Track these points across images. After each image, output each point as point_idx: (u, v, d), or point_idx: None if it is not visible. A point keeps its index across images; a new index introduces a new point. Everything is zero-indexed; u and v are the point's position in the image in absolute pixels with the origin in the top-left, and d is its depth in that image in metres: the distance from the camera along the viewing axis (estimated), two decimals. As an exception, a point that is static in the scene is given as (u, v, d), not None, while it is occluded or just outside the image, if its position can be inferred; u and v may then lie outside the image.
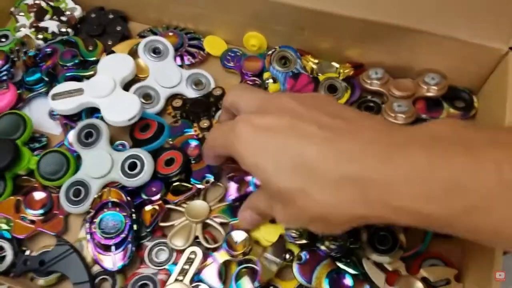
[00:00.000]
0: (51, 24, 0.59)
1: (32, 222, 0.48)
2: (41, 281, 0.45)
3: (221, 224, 0.47)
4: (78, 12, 0.60)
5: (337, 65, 0.55)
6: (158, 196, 0.48)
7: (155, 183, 0.49)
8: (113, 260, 0.45)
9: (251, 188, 0.47)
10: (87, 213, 0.47)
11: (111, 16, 0.60)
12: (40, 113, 0.55)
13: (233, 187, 0.48)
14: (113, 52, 0.56)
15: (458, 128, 0.30)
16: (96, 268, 0.46)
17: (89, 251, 0.46)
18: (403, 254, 0.44)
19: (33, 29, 0.59)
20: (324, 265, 0.43)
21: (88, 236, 0.46)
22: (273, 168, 0.32)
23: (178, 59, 0.57)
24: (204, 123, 0.52)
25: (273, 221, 0.45)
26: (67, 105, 0.51)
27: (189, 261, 0.44)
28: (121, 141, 0.52)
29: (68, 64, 0.55)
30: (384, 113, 0.50)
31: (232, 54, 0.58)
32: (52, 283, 0.46)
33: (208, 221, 0.47)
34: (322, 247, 0.43)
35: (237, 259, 0.44)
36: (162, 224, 0.48)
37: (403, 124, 0.49)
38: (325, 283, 0.43)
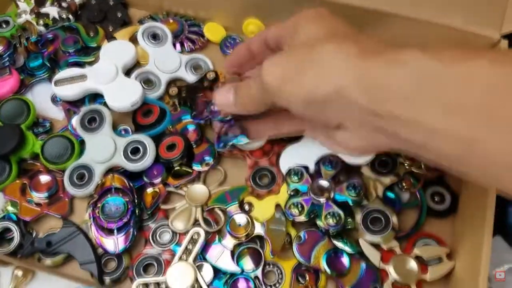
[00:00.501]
0: (51, 10, 0.60)
1: (38, 204, 0.49)
2: (48, 261, 0.47)
3: (220, 208, 0.49)
4: (78, -2, 0.61)
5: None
6: (159, 179, 0.49)
7: (156, 166, 0.50)
8: (115, 243, 0.46)
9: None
10: (91, 197, 0.49)
11: (111, 2, 0.61)
12: (43, 98, 0.56)
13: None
14: (114, 38, 0.57)
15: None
16: (101, 250, 0.47)
17: (92, 234, 0.47)
18: (397, 234, 0.46)
19: (34, 15, 0.60)
20: (322, 244, 0.45)
21: (91, 220, 0.47)
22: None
23: (178, 45, 0.58)
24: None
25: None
26: (70, 91, 0.52)
27: (193, 241, 0.46)
28: (124, 126, 0.53)
29: (70, 50, 0.56)
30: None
31: (232, 41, 0.59)
32: (59, 263, 0.47)
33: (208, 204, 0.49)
34: (321, 224, 0.44)
35: (242, 240, 0.46)
36: (164, 207, 0.49)
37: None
38: (323, 261, 0.44)
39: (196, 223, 0.48)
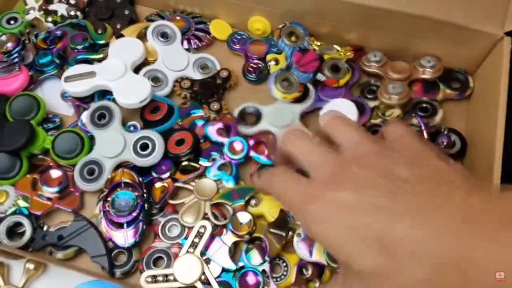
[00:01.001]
0: (59, 7, 0.60)
1: (49, 199, 0.50)
2: (59, 254, 0.48)
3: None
4: (86, -5, 0.62)
5: (338, 48, 0.57)
6: (167, 174, 0.50)
7: (165, 162, 0.51)
8: (124, 237, 0.47)
9: None
10: (101, 191, 0.49)
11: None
12: (52, 94, 0.57)
13: None
14: (122, 35, 0.58)
15: None
16: (112, 243, 0.48)
17: (102, 228, 0.48)
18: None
19: (42, 12, 0.60)
20: None
21: (101, 214, 0.48)
22: (353, 247, 0.30)
23: (185, 42, 0.59)
24: (214, 106, 0.54)
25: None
26: (80, 88, 0.53)
27: (199, 235, 0.47)
28: (133, 122, 0.54)
29: (78, 47, 0.57)
30: (379, 94, 0.52)
31: (238, 37, 0.59)
32: (70, 257, 0.48)
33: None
34: None
35: (243, 239, 0.47)
36: (172, 201, 0.50)
37: (397, 104, 0.51)
38: (325, 255, 0.45)
39: (205, 216, 0.49)
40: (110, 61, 0.54)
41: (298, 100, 0.54)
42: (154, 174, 0.51)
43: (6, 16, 0.61)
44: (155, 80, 0.56)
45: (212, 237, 0.47)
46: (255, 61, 0.58)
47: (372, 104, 0.54)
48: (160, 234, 0.48)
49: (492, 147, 0.44)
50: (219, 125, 0.52)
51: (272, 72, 0.56)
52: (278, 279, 0.46)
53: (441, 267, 0.27)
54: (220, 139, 0.52)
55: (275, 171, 0.40)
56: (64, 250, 0.48)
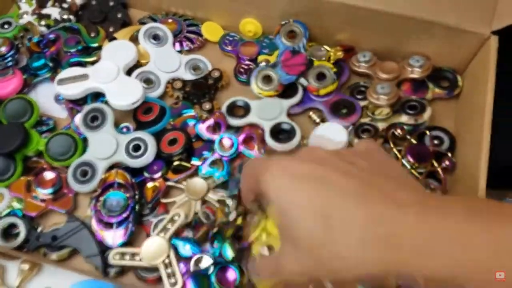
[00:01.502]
0: (53, 11, 0.61)
1: (43, 200, 0.50)
2: (53, 255, 0.48)
3: (219, 201, 0.50)
4: (79, -1, 0.62)
5: (328, 48, 0.58)
6: (159, 174, 0.51)
7: (156, 162, 0.52)
8: (113, 237, 0.48)
9: None
10: (94, 192, 0.50)
11: (111, 3, 0.62)
12: (46, 97, 0.57)
13: None
14: (115, 38, 0.59)
15: (491, 202, 0.31)
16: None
17: (93, 227, 0.49)
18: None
19: (35, 16, 0.61)
20: None
21: (93, 213, 0.49)
22: (299, 214, 0.32)
23: (177, 44, 0.60)
24: (206, 106, 0.54)
25: None
26: (73, 90, 0.53)
27: (172, 221, 0.48)
28: (125, 123, 0.54)
29: (71, 50, 0.57)
30: (368, 95, 0.53)
31: (230, 38, 0.60)
32: (64, 258, 0.49)
33: (206, 198, 0.50)
34: None
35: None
36: (164, 200, 0.51)
37: (386, 104, 0.52)
38: None
39: (195, 215, 0.49)
40: (103, 64, 0.54)
41: (286, 96, 0.54)
42: (146, 174, 0.51)
43: (0, 21, 0.61)
44: (148, 81, 0.57)
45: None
46: (247, 62, 0.59)
47: (361, 104, 0.54)
48: (152, 233, 0.48)
49: (480, 145, 0.45)
50: (209, 122, 0.53)
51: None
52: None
53: (371, 241, 0.29)
54: (210, 136, 0.52)
55: None
56: (58, 251, 0.48)
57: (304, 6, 0.55)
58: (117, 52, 0.55)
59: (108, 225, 0.48)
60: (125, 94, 0.53)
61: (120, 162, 0.51)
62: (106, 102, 0.53)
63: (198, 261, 0.46)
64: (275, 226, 0.38)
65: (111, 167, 0.51)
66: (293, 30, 0.56)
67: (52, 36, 0.59)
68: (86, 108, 0.53)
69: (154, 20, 0.61)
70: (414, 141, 0.51)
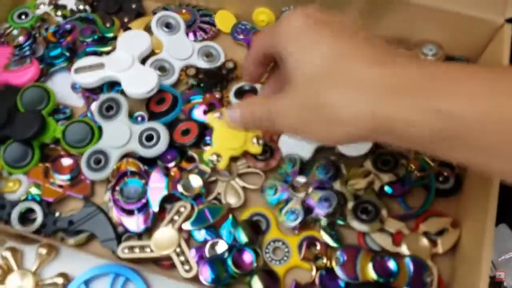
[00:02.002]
0: (69, 2, 0.62)
1: (60, 186, 0.51)
2: (71, 240, 0.49)
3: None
4: (95, -10, 0.63)
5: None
6: (173, 163, 0.52)
7: (170, 152, 0.52)
8: (137, 223, 0.49)
9: None
10: (108, 181, 0.51)
11: (126, -7, 0.63)
12: (62, 86, 0.58)
13: None
14: (129, 28, 0.60)
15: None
16: (121, 229, 0.50)
17: (113, 216, 0.50)
18: (404, 214, 0.48)
19: (52, 7, 0.62)
20: (362, 256, 0.45)
21: (112, 203, 0.50)
22: (303, 55, 0.34)
23: (191, 35, 0.60)
24: (216, 95, 0.55)
25: None
26: (89, 79, 0.54)
27: (178, 213, 0.49)
28: (140, 112, 0.55)
29: (87, 40, 0.58)
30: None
31: (242, 27, 0.60)
32: (81, 242, 0.50)
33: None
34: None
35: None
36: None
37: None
38: (372, 272, 0.44)
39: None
40: (118, 53, 0.55)
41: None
42: (160, 164, 0.52)
43: (17, 11, 0.63)
44: (162, 69, 0.57)
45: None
46: (259, 52, 0.59)
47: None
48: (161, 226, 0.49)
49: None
50: (203, 107, 0.54)
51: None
52: (281, 261, 0.47)
53: (331, 59, 0.33)
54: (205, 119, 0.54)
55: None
56: (75, 236, 0.49)
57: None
58: (132, 41, 0.56)
59: (129, 212, 0.49)
60: (140, 82, 0.53)
61: (133, 151, 0.52)
62: (122, 92, 0.54)
63: (213, 245, 0.47)
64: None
65: (123, 157, 0.52)
66: None
67: (68, 26, 0.60)
68: (101, 97, 0.54)
69: (168, 11, 0.62)
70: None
